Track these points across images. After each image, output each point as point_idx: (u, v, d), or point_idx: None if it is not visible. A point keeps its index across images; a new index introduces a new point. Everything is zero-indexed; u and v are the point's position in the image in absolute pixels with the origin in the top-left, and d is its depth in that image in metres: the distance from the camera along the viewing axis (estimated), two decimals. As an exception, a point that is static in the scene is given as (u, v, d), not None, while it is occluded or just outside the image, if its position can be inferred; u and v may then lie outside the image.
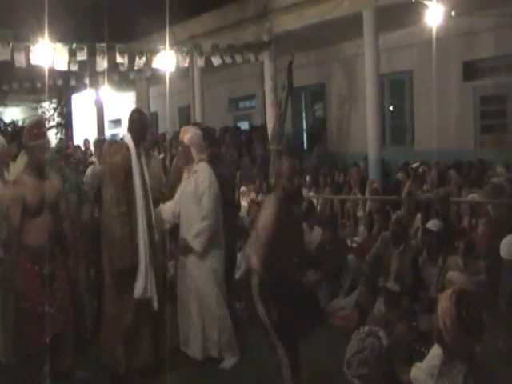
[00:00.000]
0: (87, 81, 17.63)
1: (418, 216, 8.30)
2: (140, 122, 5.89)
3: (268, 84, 15.43)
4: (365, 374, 2.96)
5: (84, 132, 22.19)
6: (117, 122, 27.16)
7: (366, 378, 2.99)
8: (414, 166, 8.16)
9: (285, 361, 4.64)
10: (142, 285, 5.53)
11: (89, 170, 9.39)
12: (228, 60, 13.86)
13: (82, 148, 17.94)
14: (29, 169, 5.47)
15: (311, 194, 10.58)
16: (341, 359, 5.40)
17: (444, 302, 3.14)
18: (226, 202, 6.39)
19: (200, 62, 13.57)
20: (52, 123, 20.67)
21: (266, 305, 4.63)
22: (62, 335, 5.51)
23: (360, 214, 9.68)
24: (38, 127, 5.48)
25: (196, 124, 8.43)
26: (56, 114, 21.10)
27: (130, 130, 5.83)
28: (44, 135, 5.53)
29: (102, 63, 12.08)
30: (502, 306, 5.39)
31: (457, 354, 3.18)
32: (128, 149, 5.70)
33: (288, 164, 4.76)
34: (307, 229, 8.75)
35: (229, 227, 6.35)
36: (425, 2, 10.56)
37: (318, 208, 10.05)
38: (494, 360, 3.99)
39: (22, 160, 5.90)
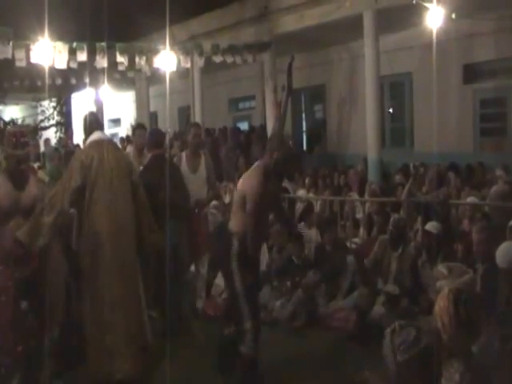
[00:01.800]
0: (87, 80, 17.61)
1: (418, 218, 8.30)
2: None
3: (268, 85, 15.44)
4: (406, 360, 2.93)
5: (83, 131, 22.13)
6: (116, 122, 27.15)
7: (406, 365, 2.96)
8: (415, 163, 8.15)
9: (248, 326, 5.01)
10: None
11: None
12: (228, 60, 13.86)
13: (82, 147, 17.90)
14: (5, 174, 5.39)
15: (310, 195, 10.57)
16: (337, 359, 5.41)
17: (441, 301, 3.16)
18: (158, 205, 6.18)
19: (200, 62, 13.56)
20: (52, 122, 20.64)
21: (241, 271, 5.05)
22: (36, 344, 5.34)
23: (359, 215, 9.67)
24: (16, 137, 5.34)
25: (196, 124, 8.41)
26: (56, 112, 21.07)
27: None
28: (23, 146, 5.38)
29: (102, 62, 12.08)
30: (498, 313, 5.39)
31: (454, 352, 3.19)
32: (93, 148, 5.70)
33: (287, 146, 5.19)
34: (306, 229, 8.76)
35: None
36: (425, 5, 10.55)
37: (317, 209, 10.05)
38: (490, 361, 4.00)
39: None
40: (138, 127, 8.37)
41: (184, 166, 7.21)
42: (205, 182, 7.31)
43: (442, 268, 5.94)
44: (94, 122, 5.96)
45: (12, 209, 5.28)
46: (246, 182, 5.20)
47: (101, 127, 5.99)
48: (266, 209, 5.19)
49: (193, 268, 7.49)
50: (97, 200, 5.47)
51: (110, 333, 5.40)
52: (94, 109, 22.22)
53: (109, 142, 5.96)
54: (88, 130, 5.94)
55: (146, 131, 8.28)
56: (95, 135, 5.80)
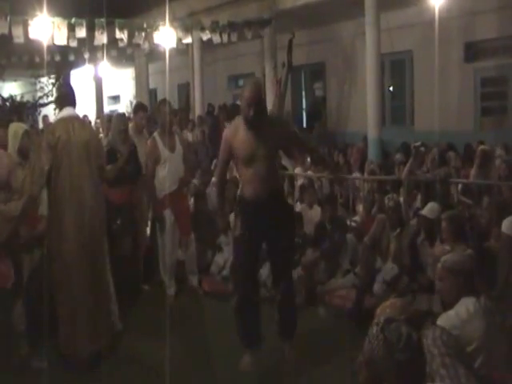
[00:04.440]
0: (86, 56, 17.53)
1: (418, 196, 8.30)
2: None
3: (268, 62, 15.37)
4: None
5: (83, 108, 22.09)
6: (116, 98, 27.08)
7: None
8: (416, 144, 8.12)
9: (235, 287, 5.33)
10: None
11: None
12: (228, 37, 13.78)
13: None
14: None
15: (310, 172, 10.55)
16: (335, 337, 5.41)
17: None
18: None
19: (204, 36, 13.45)
20: (50, 99, 20.54)
21: (236, 217, 5.25)
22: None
23: (359, 194, 9.66)
24: None
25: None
26: (54, 89, 20.96)
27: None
28: None
29: (101, 38, 12.00)
30: (500, 282, 5.45)
31: None
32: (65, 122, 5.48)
33: (249, 91, 4.88)
34: (307, 207, 8.75)
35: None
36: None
37: (317, 187, 10.03)
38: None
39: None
40: (139, 108, 8.20)
41: (161, 146, 7.07)
42: (182, 161, 7.27)
43: (444, 246, 5.99)
44: (66, 97, 5.63)
45: None
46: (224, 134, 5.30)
47: (73, 103, 5.60)
48: (253, 159, 5.04)
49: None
50: (62, 180, 5.28)
51: (78, 313, 5.36)
52: (93, 85, 22.28)
53: (78, 119, 5.68)
54: (59, 104, 5.71)
55: (147, 112, 8.29)
56: (65, 111, 5.52)
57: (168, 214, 7.09)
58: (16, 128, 5.94)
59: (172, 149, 7.14)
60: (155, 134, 7.23)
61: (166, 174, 7.01)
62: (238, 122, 5.08)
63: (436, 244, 6.47)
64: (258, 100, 4.88)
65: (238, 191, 5.44)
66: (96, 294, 5.47)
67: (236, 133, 5.06)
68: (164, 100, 7.65)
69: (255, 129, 4.93)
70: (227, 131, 5.21)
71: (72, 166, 5.30)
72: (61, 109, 5.61)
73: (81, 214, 5.34)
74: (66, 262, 5.34)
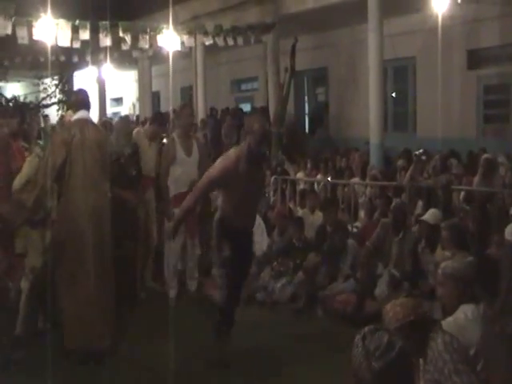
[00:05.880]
0: (89, 58, 17.53)
1: (420, 203, 8.30)
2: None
3: (271, 66, 15.39)
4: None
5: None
6: (118, 101, 27.12)
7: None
8: (417, 152, 8.13)
9: (223, 292, 5.32)
10: None
11: None
12: (231, 42, 13.79)
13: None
14: None
15: (319, 177, 10.59)
16: (336, 342, 5.43)
17: None
18: None
19: (207, 41, 13.46)
20: (54, 100, 20.55)
21: (218, 240, 5.25)
22: None
23: (361, 199, 9.67)
24: None
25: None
26: (58, 90, 20.98)
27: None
28: None
29: (105, 41, 12.01)
30: (501, 289, 5.46)
31: None
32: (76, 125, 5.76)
33: (261, 127, 4.81)
34: (308, 212, 8.76)
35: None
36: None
37: (319, 192, 10.04)
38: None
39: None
40: (158, 118, 8.21)
41: (179, 149, 7.15)
42: (196, 166, 7.28)
43: (445, 252, 5.99)
44: (82, 101, 5.95)
45: None
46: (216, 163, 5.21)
47: (87, 107, 5.92)
48: (245, 192, 5.04)
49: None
50: (75, 176, 5.52)
51: (85, 307, 5.49)
52: (96, 87, 22.29)
53: (91, 122, 6.00)
54: (75, 107, 5.99)
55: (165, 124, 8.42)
56: (80, 113, 5.83)
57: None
58: None
59: (188, 153, 7.21)
60: (174, 135, 7.32)
61: (178, 176, 7.08)
62: (241, 154, 4.97)
63: (437, 250, 6.47)
64: (269, 138, 4.88)
65: (218, 215, 5.33)
66: (103, 291, 5.60)
67: (238, 166, 4.95)
68: (187, 104, 7.78)
69: (257, 164, 4.92)
70: (229, 163, 5.01)
71: (85, 163, 5.56)
72: (76, 111, 5.90)
73: (91, 209, 5.55)
74: (73, 255, 5.52)
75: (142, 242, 7.44)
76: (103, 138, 5.93)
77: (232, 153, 5.10)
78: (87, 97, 6.01)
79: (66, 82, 20.74)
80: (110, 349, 5.60)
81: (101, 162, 5.69)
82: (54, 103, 20.36)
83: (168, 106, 20.00)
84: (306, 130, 18.60)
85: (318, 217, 8.51)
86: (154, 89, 21.59)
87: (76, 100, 6.07)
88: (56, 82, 21.05)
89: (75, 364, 5.39)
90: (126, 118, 8.39)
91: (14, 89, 24.81)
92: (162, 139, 7.77)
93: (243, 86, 21.76)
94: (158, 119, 8.08)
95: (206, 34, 13.32)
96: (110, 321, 5.70)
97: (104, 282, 5.62)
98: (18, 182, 5.81)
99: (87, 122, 5.83)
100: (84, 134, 5.60)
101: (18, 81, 25.47)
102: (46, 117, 19.02)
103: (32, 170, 5.82)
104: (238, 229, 5.17)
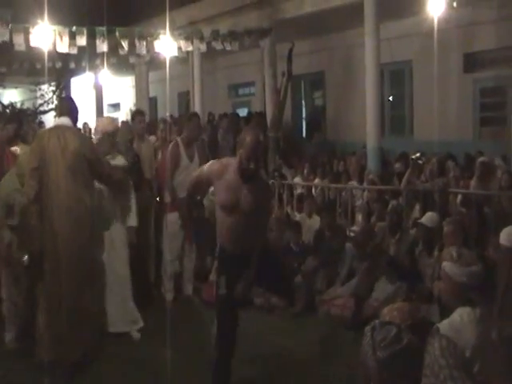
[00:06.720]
0: (86, 64, 17.55)
1: (417, 206, 8.31)
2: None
3: (268, 71, 15.40)
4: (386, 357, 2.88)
5: (83, 115, 22.10)
6: (116, 106, 27.12)
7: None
8: (414, 156, 8.15)
9: (214, 331, 4.77)
10: None
11: None
12: (228, 46, 13.81)
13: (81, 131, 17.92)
14: None
15: (316, 181, 10.60)
16: (334, 346, 5.42)
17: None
18: None
19: (202, 47, 13.50)
20: (51, 106, 20.56)
21: (217, 275, 4.85)
22: None
23: (358, 203, 9.69)
24: None
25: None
26: (55, 97, 21.00)
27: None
28: None
29: (102, 47, 12.03)
30: (498, 294, 5.45)
31: None
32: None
33: (253, 141, 4.54)
34: (305, 216, 8.79)
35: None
36: (426, -8, 10.53)
37: (316, 196, 10.06)
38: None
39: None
40: (136, 113, 8.42)
41: (183, 154, 7.37)
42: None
43: (452, 250, 5.95)
44: (65, 108, 5.86)
45: None
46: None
47: (69, 114, 5.75)
48: (241, 212, 4.69)
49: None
50: (48, 182, 5.38)
51: (55, 318, 5.35)
52: (93, 93, 22.31)
53: (71, 129, 5.73)
54: (58, 114, 6.03)
55: (145, 117, 8.51)
56: (61, 120, 5.71)
57: (175, 218, 7.23)
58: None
59: (191, 158, 7.41)
60: (179, 140, 7.47)
61: (180, 182, 7.14)
62: (231, 165, 4.71)
63: (437, 252, 6.49)
64: (260, 153, 4.65)
65: (218, 245, 4.92)
66: (79, 303, 5.41)
67: (225, 173, 4.68)
68: (196, 113, 8.03)
69: (249, 179, 4.61)
70: (217, 165, 4.78)
71: (58, 170, 5.39)
72: (58, 117, 5.83)
73: (64, 216, 5.38)
74: (46, 265, 5.37)
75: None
76: (82, 146, 5.57)
77: (224, 159, 4.97)
78: (72, 104, 5.91)
79: (63, 88, 20.75)
80: (81, 362, 5.43)
81: (77, 169, 5.46)
82: (51, 109, 20.33)
83: (165, 111, 20.04)
84: (304, 135, 18.62)
85: (316, 221, 8.53)
86: (151, 94, 21.58)
87: (60, 106, 6.13)
88: (53, 88, 21.07)
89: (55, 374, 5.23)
90: (125, 125, 8.46)
91: (12, 95, 24.80)
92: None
93: (240, 91, 21.76)
94: (135, 116, 8.32)
95: (201, 40, 13.35)
96: (85, 334, 5.49)
97: (81, 292, 5.43)
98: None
99: (67, 128, 5.62)
100: (59, 141, 5.44)
101: (16, 87, 25.46)
102: (41, 123, 19.08)
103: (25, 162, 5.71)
104: (235, 253, 4.75)
